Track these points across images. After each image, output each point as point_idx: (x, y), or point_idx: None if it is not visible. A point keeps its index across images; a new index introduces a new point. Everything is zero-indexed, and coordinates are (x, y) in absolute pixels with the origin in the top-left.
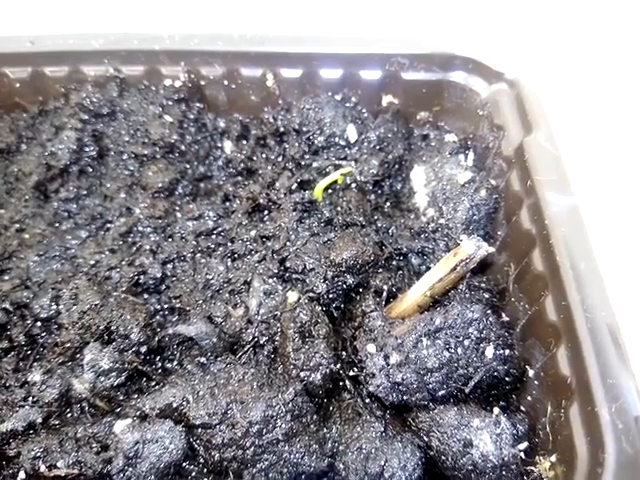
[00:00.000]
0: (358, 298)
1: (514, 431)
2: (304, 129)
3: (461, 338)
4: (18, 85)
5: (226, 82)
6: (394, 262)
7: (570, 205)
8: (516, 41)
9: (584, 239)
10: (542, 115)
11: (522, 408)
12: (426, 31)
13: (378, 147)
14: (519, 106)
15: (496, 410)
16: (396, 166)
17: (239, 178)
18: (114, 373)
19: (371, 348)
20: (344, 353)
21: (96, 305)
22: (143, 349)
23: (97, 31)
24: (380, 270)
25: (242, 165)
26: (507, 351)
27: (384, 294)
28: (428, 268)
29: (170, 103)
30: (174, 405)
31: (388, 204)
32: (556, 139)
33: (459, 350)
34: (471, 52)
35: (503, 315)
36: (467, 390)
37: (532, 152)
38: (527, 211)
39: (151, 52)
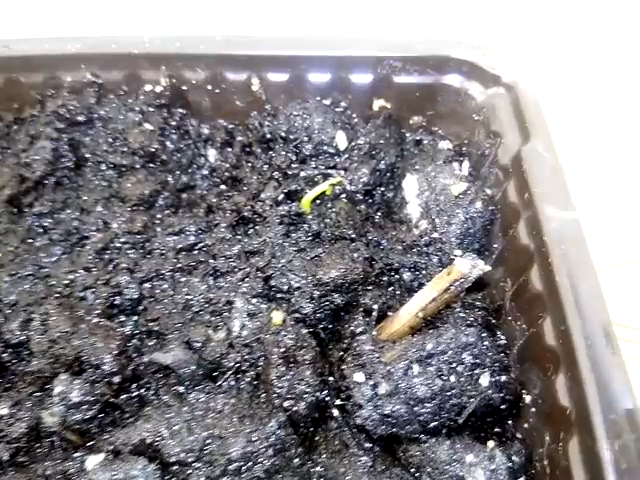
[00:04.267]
0: (347, 318)
1: (509, 464)
2: (291, 136)
3: (454, 364)
4: None
5: (210, 87)
6: (385, 278)
7: (571, 220)
8: (514, 43)
9: (585, 258)
10: (541, 122)
11: (518, 435)
12: (420, 32)
13: (369, 154)
14: (517, 112)
15: (491, 443)
16: (388, 174)
17: (223, 188)
18: (85, 406)
19: (359, 377)
20: (331, 378)
21: (66, 332)
22: (116, 379)
23: (73, 34)
24: (370, 287)
25: (227, 174)
26: (503, 377)
27: (374, 314)
28: (420, 284)
29: (151, 109)
30: (148, 441)
31: (379, 214)
32: (556, 148)
33: (452, 378)
34: (466, 54)
35: (499, 335)
36: (461, 421)
37: (530, 162)
38: (525, 225)
39: (130, 56)
